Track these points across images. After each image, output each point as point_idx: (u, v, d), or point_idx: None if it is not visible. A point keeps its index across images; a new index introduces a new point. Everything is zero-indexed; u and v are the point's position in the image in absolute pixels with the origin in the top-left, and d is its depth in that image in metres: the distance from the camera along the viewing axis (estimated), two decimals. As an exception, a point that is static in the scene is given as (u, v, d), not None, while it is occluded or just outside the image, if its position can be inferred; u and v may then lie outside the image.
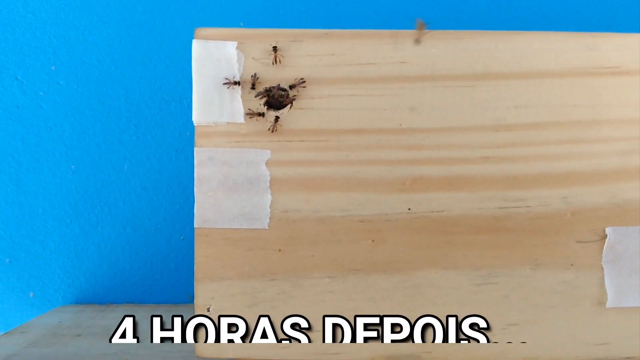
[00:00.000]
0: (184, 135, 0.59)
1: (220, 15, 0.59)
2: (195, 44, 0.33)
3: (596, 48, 0.34)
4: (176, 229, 0.63)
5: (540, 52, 0.33)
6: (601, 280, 0.34)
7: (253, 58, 0.33)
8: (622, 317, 0.34)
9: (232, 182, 0.33)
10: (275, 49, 0.33)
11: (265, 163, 0.33)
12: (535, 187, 0.34)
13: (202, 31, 0.33)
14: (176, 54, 0.59)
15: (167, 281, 0.61)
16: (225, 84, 0.33)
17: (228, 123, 0.33)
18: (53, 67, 0.58)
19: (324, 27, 0.34)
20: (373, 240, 0.33)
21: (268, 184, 0.33)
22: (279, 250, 0.33)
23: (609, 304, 0.34)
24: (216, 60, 0.33)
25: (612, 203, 0.34)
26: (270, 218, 0.33)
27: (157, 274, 0.61)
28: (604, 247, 0.34)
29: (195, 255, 0.33)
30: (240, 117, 0.33)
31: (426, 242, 0.34)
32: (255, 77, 0.33)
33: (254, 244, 0.33)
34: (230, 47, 0.33)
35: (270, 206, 0.33)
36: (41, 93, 0.58)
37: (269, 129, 0.33)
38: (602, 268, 0.34)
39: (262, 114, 0.33)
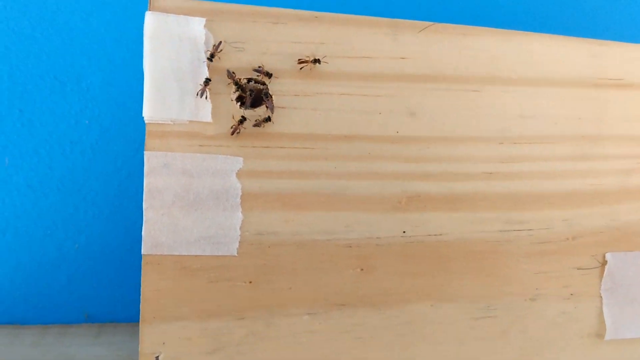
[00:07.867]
0: (81, 124, 0.50)
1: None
2: (150, 17, 0.25)
3: (601, 56, 0.31)
4: (69, 236, 0.53)
5: (546, 56, 0.30)
6: (600, 311, 0.31)
7: (225, 41, 0.26)
8: (621, 350, 0.31)
9: (193, 196, 0.26)
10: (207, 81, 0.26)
11: (236, 173, 0.26)
12: (538, 208, 0.30)
13: (159, 1, 0.25)
14: (75, 22, 0.49)
15: (57, 298, 0.51)
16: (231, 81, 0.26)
17: (191, 122, 0.26)
18: None
19: (313, 9, 0.27)
20: (362, 269, 0.28)
21: (239, 199, 0.26)
22: (250, 282, 0.27)
23: (607, 336, 0.31)
24: (177, 40, 0.26)
25: (612, 226, 0.31)
26: (240, 242, 0.27)
27: (45, 288, 0.51)
28: (604, 275, 0.31)
29: (142, 289, 0.26)
30: (207, 115, 0.26)
31: (422, 270, 0.29)
32: (217, 47, 0.26)
33: (219, 275, 0.27)
34: (197, 23, 0.26)
35: (240, 227, 0.27)
36: None
37: (232, 131, 0.26)
38: (601, 297, 0.31)
39: (241, 121, 0.26)
